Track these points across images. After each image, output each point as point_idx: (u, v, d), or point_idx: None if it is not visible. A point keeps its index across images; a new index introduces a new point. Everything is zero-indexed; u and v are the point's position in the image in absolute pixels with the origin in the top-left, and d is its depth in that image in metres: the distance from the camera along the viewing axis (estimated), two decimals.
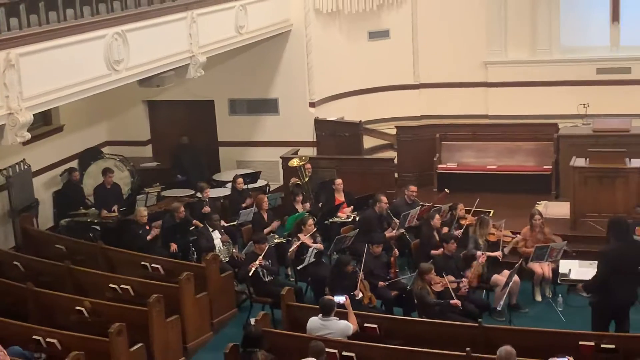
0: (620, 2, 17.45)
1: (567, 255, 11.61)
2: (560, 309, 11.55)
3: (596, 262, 9.95)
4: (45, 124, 15.52)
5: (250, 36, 15.58)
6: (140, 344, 9.86)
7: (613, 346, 8.82)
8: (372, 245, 11.72)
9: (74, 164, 16.13)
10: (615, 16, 17.55)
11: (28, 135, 10.42)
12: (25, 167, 14.45)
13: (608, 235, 10.01)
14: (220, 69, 16.38)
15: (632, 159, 13.19)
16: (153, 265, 11.93)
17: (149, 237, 12.89)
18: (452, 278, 10.88)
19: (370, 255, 11.63)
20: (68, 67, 10.98)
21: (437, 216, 12.55)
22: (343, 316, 9.48)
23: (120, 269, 12.10)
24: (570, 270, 10.92)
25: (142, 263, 12.02)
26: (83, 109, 15.64)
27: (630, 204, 12.63)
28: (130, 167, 16.04)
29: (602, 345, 8.82)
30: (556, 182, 14.76)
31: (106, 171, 14.94)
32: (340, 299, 9.58)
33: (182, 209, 13.27)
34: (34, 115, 10.40)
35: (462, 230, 12.43)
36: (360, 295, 10.84)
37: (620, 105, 16.56)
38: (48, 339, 9.70)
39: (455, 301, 10.56)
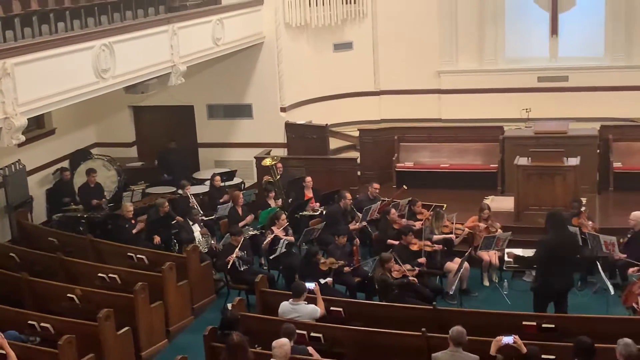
0: (559, 17, 17.59)
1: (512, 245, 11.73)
2: (505, 292, 11.61)
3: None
4: (38, 127, 15.35)
5: (226, 47, 15.59)
6: (126, 328, 9.88)
7: (552, 325, 8.94)
8: (337, 236, 11.81)
9: (65, 164, 15.96)
10: (554, 30, 17.69)
11: (23, 138, 10.36)
12: (20, 166, 14.32)
13: (546, 226, 10.13)
14: (199, 77, 16.30)
15: (569, 158, 13.29)
16: (138, 256, 11.85)
17: (134, 231, 12.79)
18: (409, 266, 10.95)
19: (336, 245, 11.70)
20: (59, 76, 10.91)
21: (392, 210, 12.59)
22: (312, 301, 9.50)
23: (108, 260, 12.01)
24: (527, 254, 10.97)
25: (128, 254, 11.94)
26: (73, 114, 15.52)
27: (568, 198, 12.71)
28: (117, 166, 15.93)
29: (543, 325, 8.95)
30: (502, 179, 14.82)
31: (90, 171, 14.81)
32: (310, 285, 9.61)
33: (167, 204, 13.22)
34: (28, 119, 10.32)
35: (421, 223, 12.49)
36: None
37: (558, 110, 16.68)
38: (42, 324, 9.67)
39: (413, 278, 10.66)
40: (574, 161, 13.25)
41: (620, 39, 17.30)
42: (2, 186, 13.99)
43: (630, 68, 17.21)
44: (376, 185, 13.73)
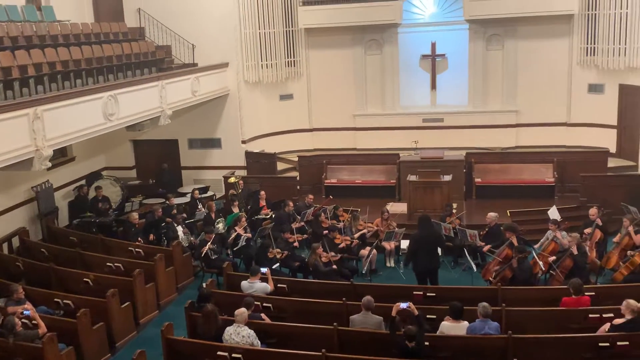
0: (437, 77, 17.86)
1: (405, 237, 11.84)
2: (401, 271, 11.72)
3: None
4: (62, 155, 15.02)
5: (202, 97, 15.48)
6: (128, 303, 9.77)
7: (434, 294, 9.07)
8: (283, 233, 11.80)
9: (83, 182, 15.59)
10: (433, 86, 17.93)
11: (49, 164, 10.20)
12: (49, 185, 14.00)
13: (418, 225, 10.22)
14: (181, 118, 16.12)
15: (444, 175, 13.52)
16: (137, 249, 11.64)
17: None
18: (333, 254, 11.00)
19: (283, 239, 11.67)
20: (77, 118, 10.78)
21: (322, 214, 12.63)
22: (265, 280, 9.44)
23: (114, 253, 11.74)
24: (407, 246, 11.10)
25: (129, 248, 11.73)
26: (88, 145, 15.16)
27: (443, 203, 12.97)
28: (121, 184, 15.65)
29: (427, 294, 9.07)
30: (398, 190, 14.94)
31: (97, 188, 14.67)
32: (264, 269, 9.55)
33: (160, 210, 13.03)
34: (53, 150, 10.19)
35: (343, 223, 12.53)
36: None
37: (437, 142, 16.83)
38: (65, 301, 9.47)
39: (334, 266, 10.71)
40: (447, 178, 13.48)
41: (479, 93, 17.61)
42: (35, 199, 13.64)
43: (486, 112, 17.46)
44: (311, 196, 13.76)
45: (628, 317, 7.49)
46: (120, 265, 10.82)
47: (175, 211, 13.25)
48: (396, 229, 12.08)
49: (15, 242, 12.63)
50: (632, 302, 7.57)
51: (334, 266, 10.71)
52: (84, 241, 12.24)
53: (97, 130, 11.38)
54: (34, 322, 8.42)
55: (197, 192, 14.58)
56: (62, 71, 11.69)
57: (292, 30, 17.78)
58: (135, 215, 12.92)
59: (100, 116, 11.34)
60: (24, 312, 8.43)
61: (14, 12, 13.27)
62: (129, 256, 11.44)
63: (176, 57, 16.52)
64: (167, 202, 13.86)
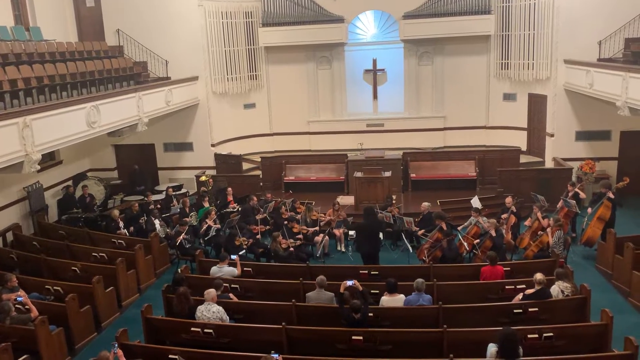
0: (378, 88, 18.01)
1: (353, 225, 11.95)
2: (350, 254, 11.82)
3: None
4: (51, 159, 14.52)
5: (175, 106, 15.25)
6: (111, 287, 9.56)
7: (377, 272, 9.14)
8: (248, 225, 11.71)
9: (70, 182, 15.14)
10: (375, 95, 18.10)
11: (38, 167, 9.88)
12: (39, 185, 13.56)
13: (363, 215, 10.23)
14: (157, 125, 15.82)
15: (385, 172, 13.62)
16: (119, 241, 11.39)
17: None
18: (291, 240, 11.00)
19: (248, 229, 11.59)
20: (63, 126, 10.47)
21: (282, 207, 12.61)
22: (233, 265, 9.36)
23: (98, 244, 11.46)
24: (354, 233, 11.18)
25: (112, 240, 11.47)
26: (74, 150, 14.75)
27: (384, 195, 13.05)
28: (104, 183, 15.26)
29: (371, 272, 9.14)
30: (347, 185, 15.01)
31: (83, 187, 14.33)
32: (233, 256, 9.51)
33: (137, 205, 12.76)
34: (42, 155, 9.89)
35: (301, 215, 12.54)
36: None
37: (378, 143, 16.97)
38: (55, 287, 9.19)
39: (292, 249, 10.73)
40: (387, 174, 13.59)
41: (413, 101, 17.84)
42: (27, 198, 13.20)
43: (419, 118, 17.69)
44: (269, 194, 13.65)
45: (537, 287, 7.74)
46: (104, 254, 10.57)
47: (152, 206, 13.01)
48: (345, 218, 12.15)
49: (9, 236, 12.21)
50: (539, 275, 7.83)
51: (292, 249, 10.72)
52: (71, 234, 11.90)
53: (82, 137, 11.08)
54: (26, 307, 8.16)
55: (170, 189, 14.36)
56: (49, 85, 11.33)
57: (254, 48, 17.66)
58: (116, 212, 12.64)
59: (84, 124, 11.05)
60: (17, 298, 8.17)
61: (4, 32, 12.79)
62: (112, 247, 11.19)
63: (151, 71, 16.19)
64: (146, 198, 13.59)
